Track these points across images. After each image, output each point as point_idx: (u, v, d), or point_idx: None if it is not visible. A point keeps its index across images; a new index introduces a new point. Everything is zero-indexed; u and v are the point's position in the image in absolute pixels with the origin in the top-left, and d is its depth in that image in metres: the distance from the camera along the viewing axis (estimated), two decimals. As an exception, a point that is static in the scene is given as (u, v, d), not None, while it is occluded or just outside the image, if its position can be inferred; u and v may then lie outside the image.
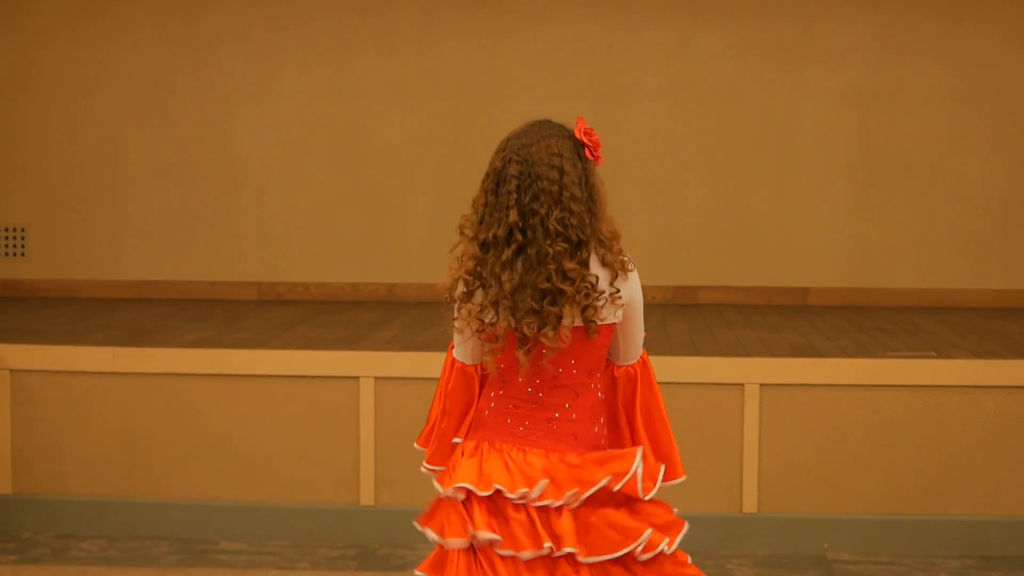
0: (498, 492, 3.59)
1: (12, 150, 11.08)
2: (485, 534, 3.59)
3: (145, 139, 11.04)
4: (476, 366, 3.76)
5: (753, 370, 7.59)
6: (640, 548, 3.64)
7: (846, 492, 7.54)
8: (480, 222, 3.64)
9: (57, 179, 11.07)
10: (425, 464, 3.83)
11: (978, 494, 7.52)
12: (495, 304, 3.58)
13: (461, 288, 3.64)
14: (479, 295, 3.62)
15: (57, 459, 7.79)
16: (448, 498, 3.67)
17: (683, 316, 9.82)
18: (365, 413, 7.64)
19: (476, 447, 3.68)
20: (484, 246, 3.62)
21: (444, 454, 3.80)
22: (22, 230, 11.11)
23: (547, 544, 3.58)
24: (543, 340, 3.58)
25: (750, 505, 7.55)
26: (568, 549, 3.57)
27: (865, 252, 10.86)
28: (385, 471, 7.63)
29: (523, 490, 3.59)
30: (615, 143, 10.47)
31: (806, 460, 7.55)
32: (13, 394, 7.77)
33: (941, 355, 7.87)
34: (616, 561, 3.63)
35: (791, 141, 10.90)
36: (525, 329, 3.57)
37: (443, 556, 3.69)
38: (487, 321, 3.62)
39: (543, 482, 3.59)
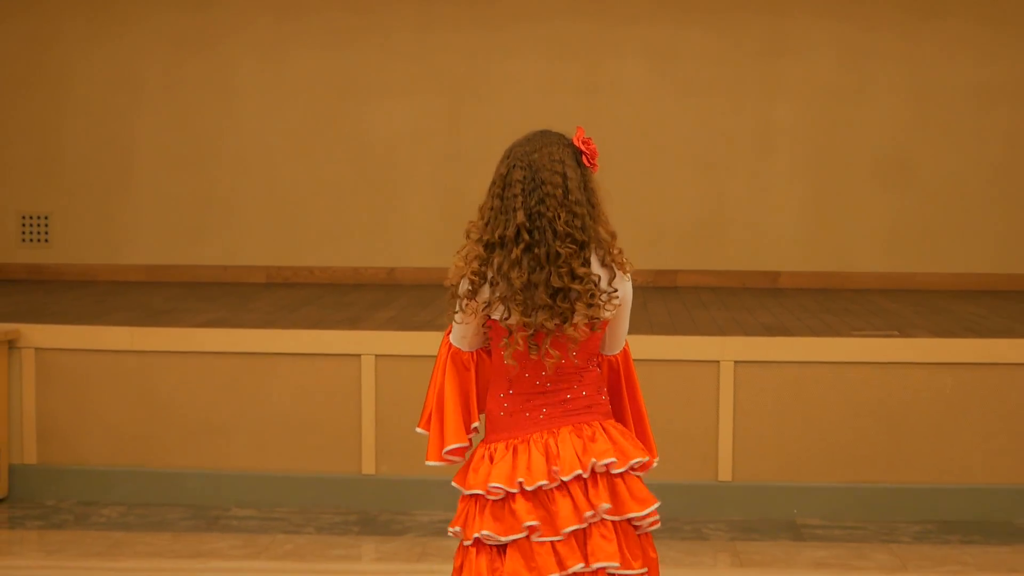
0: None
1: (36, 144, 11.07)
2: (529, 522, 3.61)
3: (159, 132, 11.04)
4: (471, 353, 3.76)
5: (728, 348, 7.60)
6: (647, 519, 3.67)
7: (814, 462, 7.56)
8: (486, 224, 3.65)
9: (77, 171, 11.06)
10: (445, 451, 3.78)
11: (937, 463, 7.54)
12: (504, 300, 3.59)
13: (466, 286, 3.64)
14: (484, 292, 3.63)
15: (79, 431, 7.80)
16: (476, 497, 3.68)
17: (663, 298, 9.83)
18: (366, 388, 7.65)
19: (507, 447, 3.69)
20: (489, 246, 3.62)
21: (455, 433, 3.78)
22: (45, 218, 11.10)
23: (588, 513, 3.61)
24: (568, 334, 3.60)
25: (725, 474, 7.57)
26: (604, 507, 3.61)
27: (832, 238, 10.89)
28: (385, 442, 7.64)
29: (572, 474, 3.62)
30: (599, 136, 10.43)
31: (777, 432, 7.57)
32: (38, 371, 7.77)
33: (903, 334, 7.89)
34: (627, 525, 3.67)
35: (764, 134, 10.91)
36: (545, 323, 3.59)
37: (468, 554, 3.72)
38: (497, 317, 3.62)
39: (576, 472, 3.62)
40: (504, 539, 3.63)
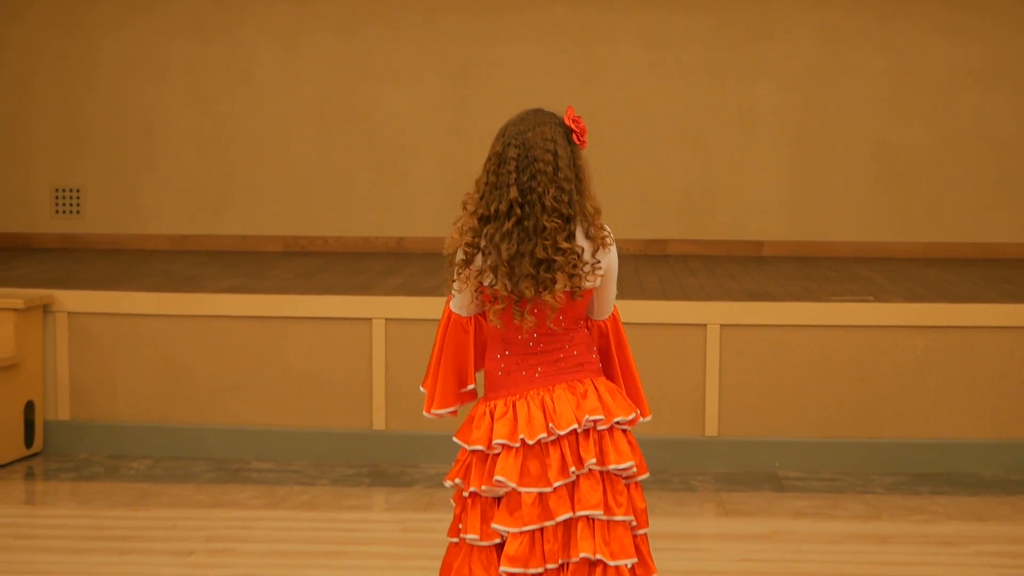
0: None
1: (69, 123, 11.06)
2: (512, 482, 3.63)
3: (181, 111, 11.02)
4: (470, 319, 3.78)
5: (714, 312, 7.61)
6: (627, 471, 3.69)
7: (794, 418, 7.58)
8: (481, 198, 3.66)
9: (106, 147, 11.05)
10: (433, 410, 3.82)
11: (908, 419, 7.56)
12: (494, 269, 3.61)
13: (461, 255, 3.66)
14: (478, 261, 3.64)
15: (109, 390, 7.82)
16: (477, 452, 3.71)
17: (653, 266, 9.84)
18: (377, 350, 7.66)
19: (506, 404, 3.71)
20: (483, 219, 3.64)
21: (446, 395, 3.81)
22: (77, 191, 11.10)
23: (571, 469, 3.63)
24: (546, 301, 3.62)
25: (711, 429, 7.59)
26: (591, 462, 3.64)
27: (812, 210, 10.88)
28: (394, 400, 7.66)
29: (568, 428, 3.64)
30: (595, 115, 10.45)
31: (760, 390, 7.58)
32: (71, 334, 7.78)
33: (877, 299, 7.90)
34: (614, 476, 3.68)
35: (748, 113, 10.89)
36: (525, 292, 3.61)
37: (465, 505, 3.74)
38: (487, 284, 3.65)
39: (572, 426, 3.65)
40: (500, 491, 3.66)
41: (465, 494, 3.71)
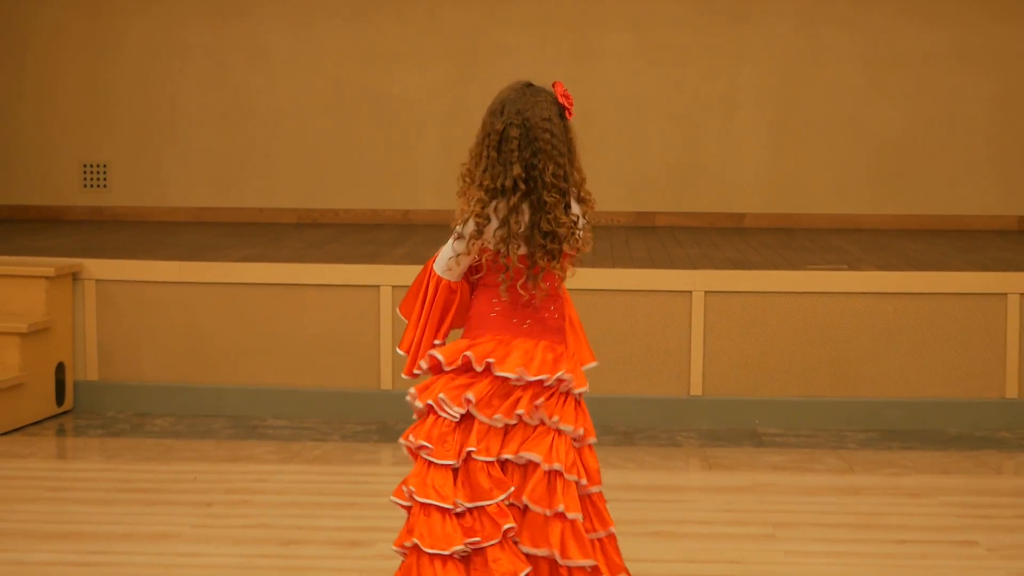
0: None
1: (97, 102, 11.03)
2: (469, 395, 3.65)
3: (202, 91, 10.99)
4: (459, 282, 3.77)
5: (699, 280, 7.61)
6: (574, 433, 3.71)
7: (773, 378, 7.58)
8: (484, 171, 3.65)
9: (132, 125, 11.02)
10: (416, 370, 3.82)
11: (880, 380, 7.57)
12: (505, 241, 3.61)
13: (472, 227, 3.65)
14: (488, 231, 3.64)
15: (134, 352, 7.82)
16: (447, 374, 3.71)
17: (642, 236, 9.83)
18: (384, 315, 7.66)
19: (493, 340, 3.69)
20: (491, 192, 3.64)
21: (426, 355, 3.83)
22: (104, 166, 11.08)
23: (519, 411, 3.64)
24: (555, 271, 3.64)
25: (696, 389, 7.60)
26: (555, 419, 3.65)
27: (790, 184, 10.87)
28: (400, 362, 7.63)
29: (542, 376, 3.64)
30: (588, 95, 10.42)
31: (742, 352, 7.59)
32: (98, 300, 7.78)
33: (851, 267, 7.90)
34: (568, 437, 3.70)
35: (731, 94, 10.86)
36: (539, 261, 3.61)
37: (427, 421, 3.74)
38: (500, 253, 3.65)
39: (560, 373, 3.66)
40: (453, 409, 3.65)
41: (418, 404, 3.70)
